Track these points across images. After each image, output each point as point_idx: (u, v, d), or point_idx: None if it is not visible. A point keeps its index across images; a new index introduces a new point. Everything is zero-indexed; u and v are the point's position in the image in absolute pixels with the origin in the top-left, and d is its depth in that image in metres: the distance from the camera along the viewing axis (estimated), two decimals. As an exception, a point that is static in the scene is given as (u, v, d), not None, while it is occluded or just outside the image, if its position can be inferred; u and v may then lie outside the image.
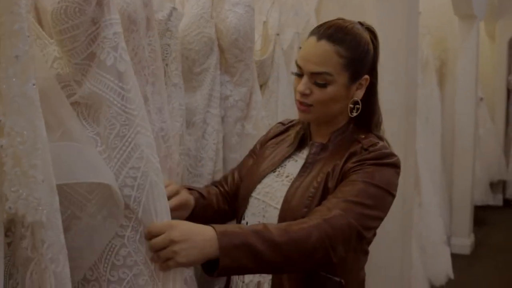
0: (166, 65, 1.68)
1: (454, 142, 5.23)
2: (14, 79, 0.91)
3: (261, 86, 2.35)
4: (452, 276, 4.38)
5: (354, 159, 1.39)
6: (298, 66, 1.43)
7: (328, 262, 1.27)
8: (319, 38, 1.40)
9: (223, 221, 1.61)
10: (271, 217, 1.43)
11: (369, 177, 1.35)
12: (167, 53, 1.68)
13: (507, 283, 4.54)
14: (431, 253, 4.05)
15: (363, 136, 1.44)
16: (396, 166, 1.41)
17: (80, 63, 1.17)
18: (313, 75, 1.39)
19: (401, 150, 2.64)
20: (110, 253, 1.20)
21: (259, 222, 1.45)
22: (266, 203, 1.46)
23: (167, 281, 1.21)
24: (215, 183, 1.68)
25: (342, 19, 1.46)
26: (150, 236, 1.18)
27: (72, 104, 1.19)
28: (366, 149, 1.40)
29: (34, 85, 0.94)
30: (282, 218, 1.39)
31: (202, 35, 1.78)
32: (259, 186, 1.49)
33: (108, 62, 1.16)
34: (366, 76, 1.44)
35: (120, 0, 1.26)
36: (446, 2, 4.85)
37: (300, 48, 2.66)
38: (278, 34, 2.40)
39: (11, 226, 1.03)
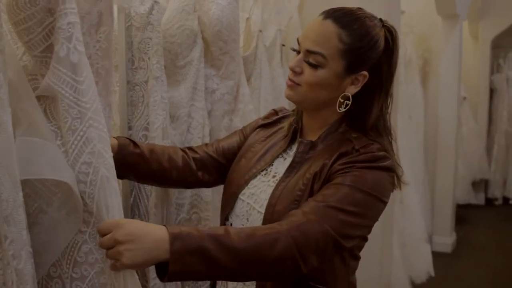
0: (148, 58, 1.67)
1: (437, 140, 5.25)
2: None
3: (243, 83, 2.35)
4: (433, 273, 4.42)
5: (343, 160, 1.28)
6: (298, 43, 1.35)
7: (297, 272, 1.17)
8: (326, 17, 1.31)
9: (163, 178, 1.53)
10: (255, 220, 1.35)
11: (357, 182, 1.23)
12: (148, 47, 1.67)
13: (487, 281, 4.59)
14: (412, 250, 4.08)
15: (356, 136, 1.33)
16: (389, 170, 1.28)
17: (39, 55, 1.14)
18: (307, 53, 1.30)
19: (382, 147, 2.65)
20: (72, 249, 1.17)
21: (242, 225, 1.38)
22: (250, 205, 1.38)
23: (118, 279, 1.14)
24: (185, 148, 1.61)
25: (361, 8, 1.35)
26: (100, 235, 1.12)
27: (38, 97, 1.16)
28: (357, 150, 1.28)
29: None
30: (267, 222, 1.29)
31: (184, 27, 1.76)
32: (246, 187, 1.41)
33: (61, 53, 1.11)
34: (365, 73, 1.32)
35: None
36: (429, 1, 4.88)
37: (283, 45, 2.67)
38: (260, 31, 2.40)
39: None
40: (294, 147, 1.41)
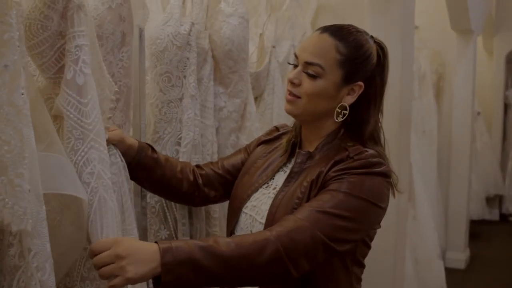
0: (184, 77, 1.74)
1: (451, 155, 5.23)
2: (2, 88, 0.91)
3: (256, 98, 2.37)
4: (446, 290, 4.38)
5: (338, 167, 1.32)
6: (296, 56, 1.40)
7: (288, 276, 1.21)
8: (323, 31, 1.38)
9: (174, 188, 1.57)
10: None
11: (352, 188, 1.28)
12: (185, 66, 1.73)
13: (501, 298, 4.54)
14: (424, 266, 4.04)
15: (351, 144, 1.37)
16: (384, 175, 1.33)
17: (52, 77, 1.19)
18: (306, 65, 1.36)
19: (395, 162, 2.63)
20: (80, 264, 1.21)
21: None
22: (252, 218, 1.43)
23: None
24: (197, 165, 1.66)
25: (353, 25, 1.44)
26: (94, 253, 1.13)
27: (54, 117, 1.21)
28: (351, 157, 1.33)
29: (23, 94, 0.94)
30: None
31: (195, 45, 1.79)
32: (248, 200, 1.46)
33: (68, 76, 1.16)
34: (360, 83, 1.38)
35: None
36: (443, 16, 4.88)
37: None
38: (274, 47, 2.42)
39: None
40: (293, 160, 1.45)
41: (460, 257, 5.24)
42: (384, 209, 1.35)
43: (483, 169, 6.82)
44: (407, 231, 3.19)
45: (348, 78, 1.37)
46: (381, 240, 2.64)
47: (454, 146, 5.21)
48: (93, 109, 1.18)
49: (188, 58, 1.74)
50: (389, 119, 2.66)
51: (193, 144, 1.75)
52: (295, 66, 1.40)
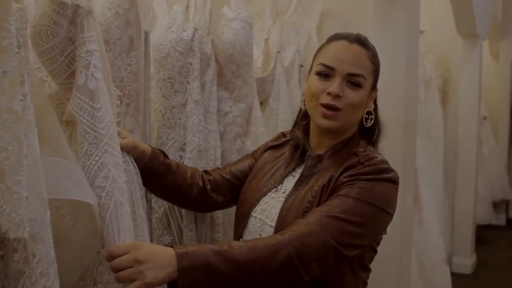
0: (188, 82, 1.74)
1: (457, 160, 5.21)
2: (1, 95, 0.91)
3: (261, 103, 2.37)
4: (452, 295, 4.35)
5: (348, 173, 1.34)
6: (328, 67, 1.39)
7: (299, 280, 1.23)
8: (351, 41, 1.41)
9: (184, 194, 1.57)
10: (267, 235, 1.39)
11: (362, 194, 1.30)
12: (188, 72, 1.73)
13: (508, 303, 4.50)
14: (430, 271, 4.02)
15: (362, 150, 1.40)
16: (393, 181, 1.36)
17: (63, 82, 1.19)
18: (349, 76, 1.38)
19: (400, 166, 2.63)
20: (93, 268, 1.21)
21: None
22: (262, 221, 1.43)
23: None
24: (205, 170, 1.67)
25: None
26: (111, 257, 1.15)
27: (66, 122, 1.22)
28: (362, 163, 1.35)
29: (21, 100, 0.94)
30: None
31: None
32: (257, 204, 1.46)
33: (79, 81, 1.16)
34: (377, 88, 1.46)
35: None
36: (449, 21, 4.87)
37: (301, 66, 2.67)
38: (279, 52, 2.42)
39: (4, 239, 1.03)
40: (302, 164, 1.46)
41: (466, 262, 5.21)
42: (391, 215, 1.37)
43: (489, 174, 6.78)
44: (412, 236, 3.17)
45: (374, 85, 1.45)
46: (386, 245, 2.62)
47: (460, 151, 5.19)
48: (106, 114, 1.18)
49: (191, 64, 1.73)
50: (394, 124, 2.67)
51: (198, 149, 1.74)
52: (325, 76, 1.39)
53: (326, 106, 1.37)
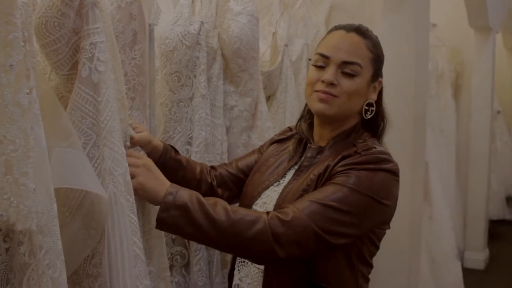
0: (195, 76, 1.74)
1: (469, 154, 5.17)
2: (7, 88, 0.92)
3: (269, 97, 2.37)
4: (463, 290, 4.33)
5: (345, 161, 1.34)
6: (324, 56, 1.40)
7: (274, 255, 1.27)
8: (348, 30, 1.41)
9: (194, 190, 1.58)
10: None
11: (357, 183, 1.30)
12: (195, 66, 1.74)
13: (521, 299, 4.47)
14: (441, 267, 4.01)
15: (361, 141, 1.40)
16: (392, 172, 1.35)
17: (66, 73, 1.19)
18: (343, 64, 1.38)
19: (409, 161, 2.63)
20: (86, 262, 1.22)
21: None
22: None
23: None
24: (212, 166, 1.70)
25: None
26: (131, 156, 1.32)
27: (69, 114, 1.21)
28: (359, 153, 1.35)
29: (27, 94, 0.95)
30: None
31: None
32: (259, 197, 1.48)
33: (83, 74, 1.17)
34: (381, 79, 1.45)
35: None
36: (461, 14, 4.83)
37: (310, 59, 2.66)
38: (286, 45, 2.41)
39: (9, 232, 1.05)
40: (304, 155, 1.48)
41: (479, 257, 5.18)
42: (389, 207, 1.36)
43: (503, 169, 6.73)
44: (423, 231, 3.16)
45: (375, 75, 1.43)
46: (395, 239, 2.63)
47: (472, 145, 5.16)
48: (106, 107, 1.19)
49: (198, 58, 1.74)
50: (403, 118, 2.66)
51: (205, 143, 1.75)
52: (320, 67, 1.40)
53: (321, 92, 1.39)
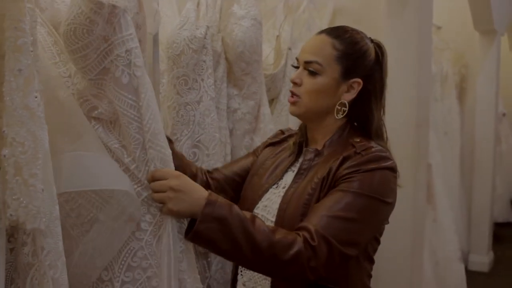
0: (202, 80, 1.77)
1: (474, 157, 5.17)
2: (17, 92, 0.95)
3: (273, 100, 2.39)
4: (468, 293, 4.33)
5: (347, 164, 1.35)
6: (296, 59, 1.48)
7: (303, 277, 1.27)
8: (320, 33, 1.47)
9: None
10: None
11: (361, 187, 1.31)
12: (202, 69, 1.76)
13: (525, 302, 4.47)
14: (445, 269, 4.01)
15: (358, 140, 1.41)
16: (392, 169, 1.37)
17: (94, 78, 1.23)
18: (306, 64, 1.43)
19: (412, 163, 2.64)
20: (127, 254, 1.26)
21: None
22: (264, 217, 1.45)
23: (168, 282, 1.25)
24: (207, 170, 1.71)
25: (350, 27, 1.49)
26: (152, 179, 1.26)
27: (94, 118, 1.26)
28: (359, 153, 1.36)
29: (36, 97, 0.98)
30: (278, 226, 1.37)
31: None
32: (260, 201, 1.49)
33: (124, 80, 1.21)
34: (359, 80, 1.42)
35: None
36: (466, 16, 4.83)
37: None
38: (290, 49, 2.43)
39: (14, 232, 1.08)
40: (300, 159, 1.50)
41: (483, 260, 5.17)
42: (391, 204, 1.38)
43: (508, 171, 6.70)
44: (426, 233, 3.17)
45: (346, 74, 1.42)
46: (398, 241, 2.64)
47: (477, 148, 5.15)
48: (147, 110, 1.23)
49: (204, 61, 1.76)
50: (406, 121, 2.68)
51: (219, 145, 1.78)
52: (297, 67, 1.47)
53: (291, 93, 1.45)
